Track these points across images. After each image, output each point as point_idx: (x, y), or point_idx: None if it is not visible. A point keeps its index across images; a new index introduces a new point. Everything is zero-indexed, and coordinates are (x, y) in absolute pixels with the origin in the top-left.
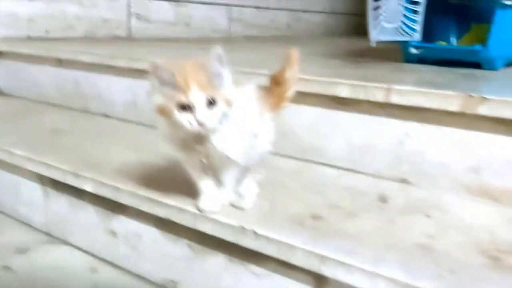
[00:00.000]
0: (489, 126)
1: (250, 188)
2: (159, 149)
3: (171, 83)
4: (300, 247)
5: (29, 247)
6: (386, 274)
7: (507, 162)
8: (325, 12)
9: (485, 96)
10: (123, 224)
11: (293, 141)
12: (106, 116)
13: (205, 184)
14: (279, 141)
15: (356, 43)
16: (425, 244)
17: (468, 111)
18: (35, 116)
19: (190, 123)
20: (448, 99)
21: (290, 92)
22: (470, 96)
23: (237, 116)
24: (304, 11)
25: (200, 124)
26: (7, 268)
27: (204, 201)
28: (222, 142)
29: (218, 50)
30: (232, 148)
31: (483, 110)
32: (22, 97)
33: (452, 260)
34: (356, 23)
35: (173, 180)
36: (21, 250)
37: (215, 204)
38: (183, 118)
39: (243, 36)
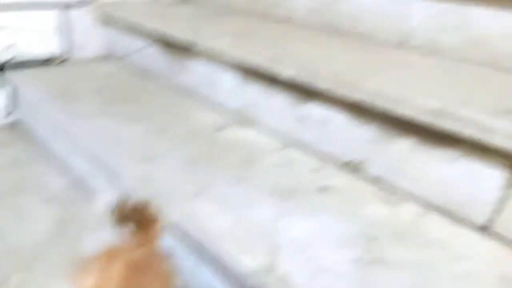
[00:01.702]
0: None
1: None
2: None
3: None
4: (501, 128)
5: (225, 126)
6: None
7: None
8: None
9: None
10: (314, 109)
11: None
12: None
13: None
14: None
15: None
16: None
17: None
18: (223, 19)
19: None
20: None
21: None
22: None
23: None
24: None
25: None
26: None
27: None
28: None
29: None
30: None
31: None
32: (205, 3)
33: None
34: None
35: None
36: (219, 128)
37: None
38: None
39: None
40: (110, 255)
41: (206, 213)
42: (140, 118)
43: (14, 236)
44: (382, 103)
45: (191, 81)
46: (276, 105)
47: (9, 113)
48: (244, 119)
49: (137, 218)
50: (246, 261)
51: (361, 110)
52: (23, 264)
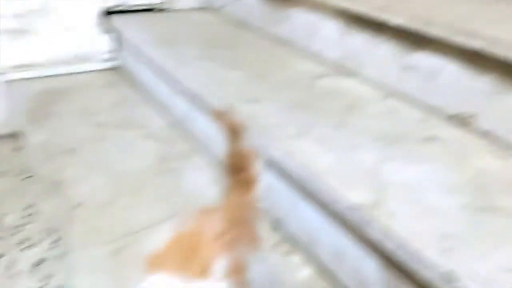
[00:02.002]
0: None
1: None
2: None
3: None
4: None
5: (324, 75)
6: None
7: None
8: None
9: None
10: (422, 58)
11: None
12: None
13: None
14: None
15: None
16: None
17: None
18: None
19: None
20: None
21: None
22: None
23: None
24: None
25: None
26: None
27: None
28: None
29: None
30: None
31: None
32: None
33: None
34: None
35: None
36: (318, 77)
37: None
38: None
39: None
40: (210, 209)
41: (309, 152)
42: (239, 64)
43: (120, 165)
44: (503, 51)
45: (289, 31)
46: (380, 54)
47: (114, 57)
48: (344, 69)
49: (238, 159)
50: (352, 197)
51: (477, 60)
52: (128, 189)
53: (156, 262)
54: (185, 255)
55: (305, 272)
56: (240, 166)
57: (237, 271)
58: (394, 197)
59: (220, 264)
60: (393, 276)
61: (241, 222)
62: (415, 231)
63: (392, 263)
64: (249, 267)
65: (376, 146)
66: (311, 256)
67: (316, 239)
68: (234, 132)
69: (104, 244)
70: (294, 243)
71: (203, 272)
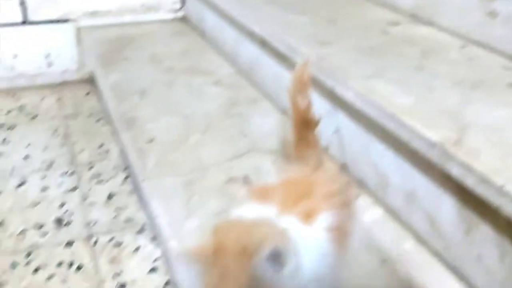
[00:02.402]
0: None
1: None
2: None
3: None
4: None
5: (397, 23)
6: None
7: None
8: None
9: None
10: (506, 4)
11: None
12: None
13: None
14: None
15: None
16: None
17: None
18: None
19: None
20: None
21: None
22: None
23: None
24: None
25: None
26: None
27: None
28: None
29: (275, 251)
30: None
31: None
32: None
33: None
34: None
35: None
36: (392, 24)
37: None
38: None
39: None
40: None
41: (385, 92)
42: (307, 10)
43: (190, 109)
44: None
45: None
46: (458, 1)
47: (180, 7)
48: (419, 17)
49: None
50: (432, 135)
51: None
52: (198, 129)
53: (261, 194)
54: (293, 197)
55: (375, 214)
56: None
57: (339, 230)
58: (476, 137)
59: (326, 218)
60: (471, 214)
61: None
62: (498, 168)
63: (471, 201)
64: (350, 231)
65: (457, 89)
66: (380, 199)
67: (387, 182)
68: (302, 85)
69: (175, 177)
70: (363, 186)
71: (308, 217)
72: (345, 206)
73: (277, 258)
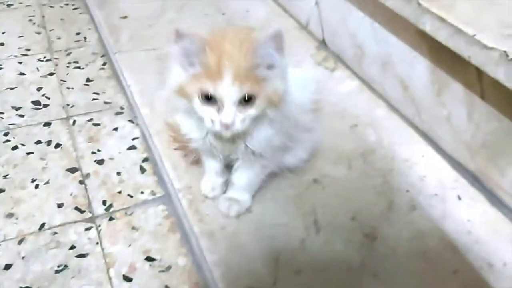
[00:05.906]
0: None
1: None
2: None
3: (198, 60)
4: None
5: None
6: None
7: None
8: None
9: None
10: None
11: None
12: None
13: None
14: None
15: None
16: None
17: None
18: None
19: (212, 122)
20: None
21: None
22: None
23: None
24: None
25: (225, 126)
26: None
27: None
28: (255, 145)
29: (278, 32)
30: (266, 148)
31: None
32: None
33: None
34: None
35: None
36: None
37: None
38: (205, 113)
39: None
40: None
41: None
42: None
43: None
44: None
45: None
46: None
47: None
48: None
49: None
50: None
51: None
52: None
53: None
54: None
55: (350, 85)
56: None
57: None
58: None
59: None
60: (443, 74)
61: None
62: (470, 20)
63: (443, 60)
64: None
65: None
66: (356, 71)
67: (363, 52)
68: None
69: (148, 51)
70: (341, 60)
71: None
72: None
73: (278, 39)
